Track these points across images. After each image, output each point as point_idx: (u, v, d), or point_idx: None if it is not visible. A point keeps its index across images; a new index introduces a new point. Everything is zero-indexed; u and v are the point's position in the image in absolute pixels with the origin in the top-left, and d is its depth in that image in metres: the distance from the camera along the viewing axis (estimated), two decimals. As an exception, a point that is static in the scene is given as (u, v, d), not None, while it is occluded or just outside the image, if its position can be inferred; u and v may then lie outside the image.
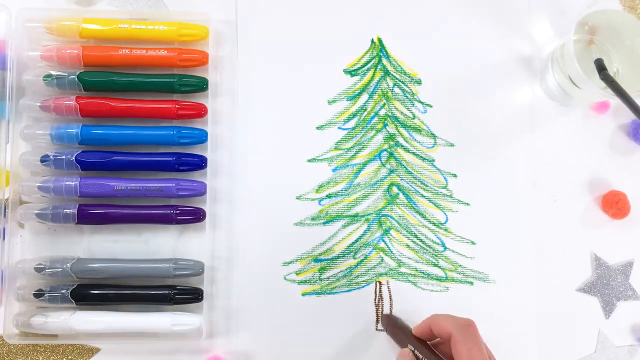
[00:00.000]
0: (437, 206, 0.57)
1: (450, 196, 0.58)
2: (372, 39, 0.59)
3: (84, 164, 0.53)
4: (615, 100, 0.56)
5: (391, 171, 0.58)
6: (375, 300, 0.56)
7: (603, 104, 0.59)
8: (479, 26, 0.60)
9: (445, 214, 0.57)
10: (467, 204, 0.58)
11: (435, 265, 0.57)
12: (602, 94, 0.51)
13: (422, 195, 0.57)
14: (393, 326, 0.51)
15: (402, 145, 0.58)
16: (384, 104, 0.58)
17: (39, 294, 0.52)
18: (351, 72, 0.59)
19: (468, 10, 0.60)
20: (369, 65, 0.59)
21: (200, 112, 0.55)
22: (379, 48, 0.59)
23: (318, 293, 0.56)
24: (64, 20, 0.55)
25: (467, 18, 0.60)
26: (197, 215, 0.54)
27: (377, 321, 0.56)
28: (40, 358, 0.54)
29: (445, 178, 0.58)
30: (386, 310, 0.56)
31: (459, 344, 0.39)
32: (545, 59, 0.59)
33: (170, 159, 0.54)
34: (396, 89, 0.59)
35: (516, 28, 0.60)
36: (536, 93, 0.60)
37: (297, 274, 0.56)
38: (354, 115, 0.58)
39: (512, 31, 0.60)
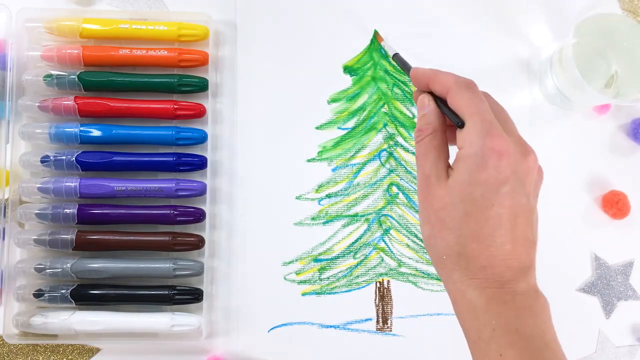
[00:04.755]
0: (437, 206, 0.57)
1: (450, 196, 0.58)
2: (372, 39, 0.59)
3: (84, 165, 0.53)
4: (615, 102, 0.56)
5: (391, 171, 0.58)
6: (375, 300, 0.56)
7: (603, 105, 0.59)
8: (478, 27, 0.60)
9: (445, 213, 0.57)
10: (467, 204, 0.57)
11: (435, 265, 0.57)
12: (602, 99, 0.51)
13: (422, 195, 0.57)
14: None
15: (401, 145, 0.58)
16: (384, 103, 0.58)
17: (38, 294, 0.52)
18: (351, 72, 0.59)
19: (467, 12, 0.60)
20: (368, 65, 0.59)
21: (198, 112, 0.55)
22: (378, 48, 0.59)
23: (318, 293, 0.56)
24: (64, 20, 0.55)
25: (466, 19, 0.60)
26: (197, 216, 0.54)
27: (378, 321, 0.56)
28: (40, 358, 0.54)
29: (445, 178, 0.58)
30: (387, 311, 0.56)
31: (458, 95, 0.34)
32: (544, 62, 0.59)
33: (170, 159, 0.54)
34: (396, 89, 0.59)
35: (515, 30, 0.60)
36: (536, 93, 0.60)
37: (297, 274, 0.56)
38: (353, 115, 0.58)
39: (511, 33, 0.60)
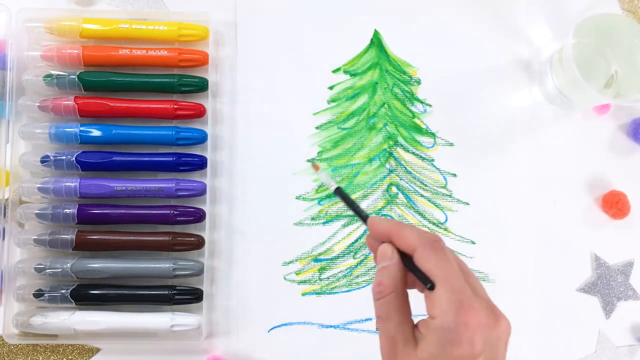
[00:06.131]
0: (436, 206, 0.57)
1: (450, 196, 0.58)
2: (372, 39, 0.59)
3: (84, 165, 0.53)
4: (615, 102, 0.56)
5: (391, 171, 0.58)
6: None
7: (603, 105, 0.59)
8: (478, 27, 0.60)
9: (444, 213, 0.57)
10: (467, 204, 0.58)
11: (435, 265, 0.57)
12: (601, 99, 0.51)
13: (422, 195, 0.57)
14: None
15: (401, 145, 0.58)
16: (384, 103, 0.58)
17: (38, 294, 0.52)
18: (351, 72, 0.59)
19: (467, 11, 0.60)
20: (368, 65, 0.59)
21: (198, 112, 0.55)
22: (378, 48, 0.59)
23: (318, 293, 0.56)
24: (64, 20, 0.55)
25: (466, 19, 0.60)
26: (197, 216, 0.54)
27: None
28: (40, 358, 0.54)
29: (444, 178, 0.58)
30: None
31: (426, 260, 0.33)
32: (544, 62, 0.59)
33: (170, 159, 0.54)
34: (396, 89, 0.59)
35: (515, 30, 0.60)
36: (536, 93, 0.60)
37: (297, 274, 0.56)
38: (353, 115, 0.58)
39: (511, 33, 0.60)
